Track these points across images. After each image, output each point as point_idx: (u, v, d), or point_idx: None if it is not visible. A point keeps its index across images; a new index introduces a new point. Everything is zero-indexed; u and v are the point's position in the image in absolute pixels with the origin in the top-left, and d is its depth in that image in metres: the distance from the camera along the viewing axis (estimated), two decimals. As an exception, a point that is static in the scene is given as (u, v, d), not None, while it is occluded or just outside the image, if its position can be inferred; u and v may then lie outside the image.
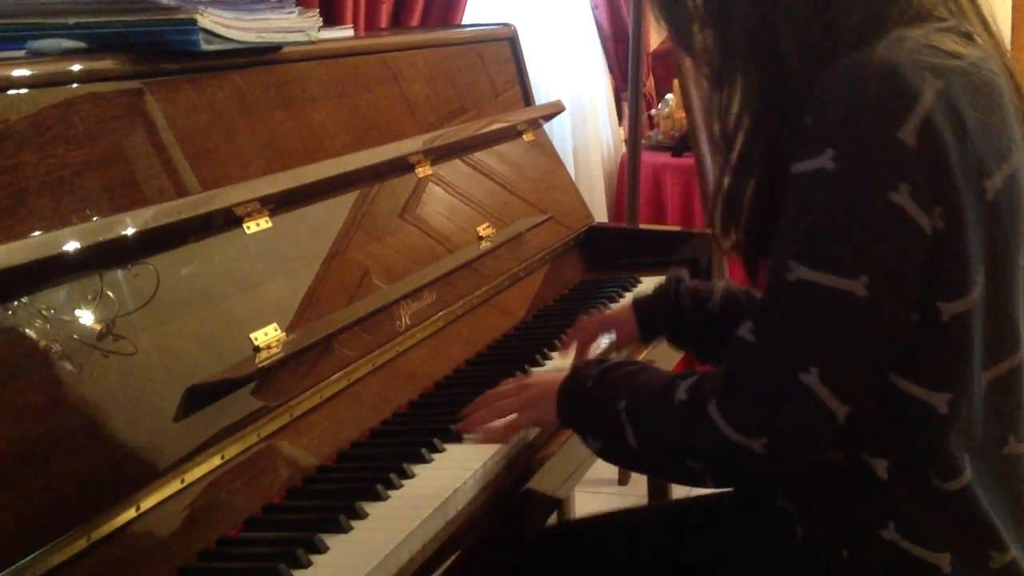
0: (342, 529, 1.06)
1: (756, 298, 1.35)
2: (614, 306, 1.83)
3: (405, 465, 1.20)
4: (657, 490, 2.46)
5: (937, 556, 1.02)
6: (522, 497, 1.26)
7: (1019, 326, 1.03)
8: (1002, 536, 1.03)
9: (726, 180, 1.11)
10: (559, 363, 1.56)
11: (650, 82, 4.04)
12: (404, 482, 1.18)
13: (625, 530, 1.40)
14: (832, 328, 0.96)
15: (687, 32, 1.11)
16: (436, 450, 1.26)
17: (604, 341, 1.55)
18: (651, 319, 1.48)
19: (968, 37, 1.03)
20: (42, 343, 1.00)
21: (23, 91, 1.09)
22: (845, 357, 0.97)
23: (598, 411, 1.12)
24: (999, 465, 1.04)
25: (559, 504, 1.50)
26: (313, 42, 1.47)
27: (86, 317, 1.06)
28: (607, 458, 1.17)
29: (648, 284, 1.96)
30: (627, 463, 1.19)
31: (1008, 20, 4.65)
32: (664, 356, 1.68)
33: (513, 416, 1.26)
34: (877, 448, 1.03)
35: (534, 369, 1.53)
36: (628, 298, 1.89)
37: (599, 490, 2.98)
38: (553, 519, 1.69)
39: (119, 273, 1.11)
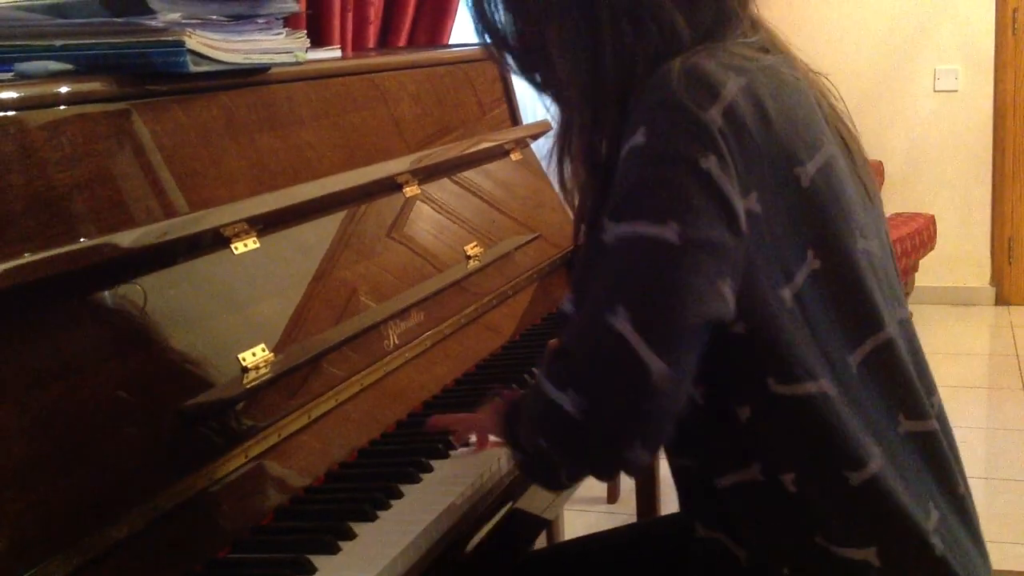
0: (331, 550, 1.06)
1: None
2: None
3: (393, 485, 1.20)
4: (646, 507, 2.46)
5: (864, 552, 1.03)
6: (512, 515, 1.26)
7: (876, 306, 1.05)
8: (916, 520, 1.04)
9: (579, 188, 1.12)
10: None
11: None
12: (393, 502, 1.18)
13: (613, 551, 1.39)
14: (641, 271, 0.95)
15: (529, 72, 1.13)
16: (424, 469, 1.26)
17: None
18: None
19: (767, 50, 1.07)
20: (29, 363, 1.00)
21: (10, 113, 1.09)
22: (655, 302, 0.94)
23: (512, 416, 1.11)
24: (901, 446, 1.06)
25: (548, 523, 1.50)
26: (301, 63, 1.48)
27: (73, 336, 1.05)
28: (521, 470, 1.17)
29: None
30: (524, 469, 1.15)
31: (991, 38, 4.69)
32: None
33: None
34: (782, 463, 1.03)
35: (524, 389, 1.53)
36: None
37: (588, 508, 2.98)
38: (543, 540, 1.69)
39: (106, 294, 1.11)
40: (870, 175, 1.14)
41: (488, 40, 1.14)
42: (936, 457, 1.09)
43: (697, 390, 1.01)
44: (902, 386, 1.07)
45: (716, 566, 1.12)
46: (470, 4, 1.14)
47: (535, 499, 1.33)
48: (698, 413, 1.02)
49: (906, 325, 1.11)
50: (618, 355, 0.93)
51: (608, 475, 1.06)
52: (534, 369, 1.59)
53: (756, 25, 1.10)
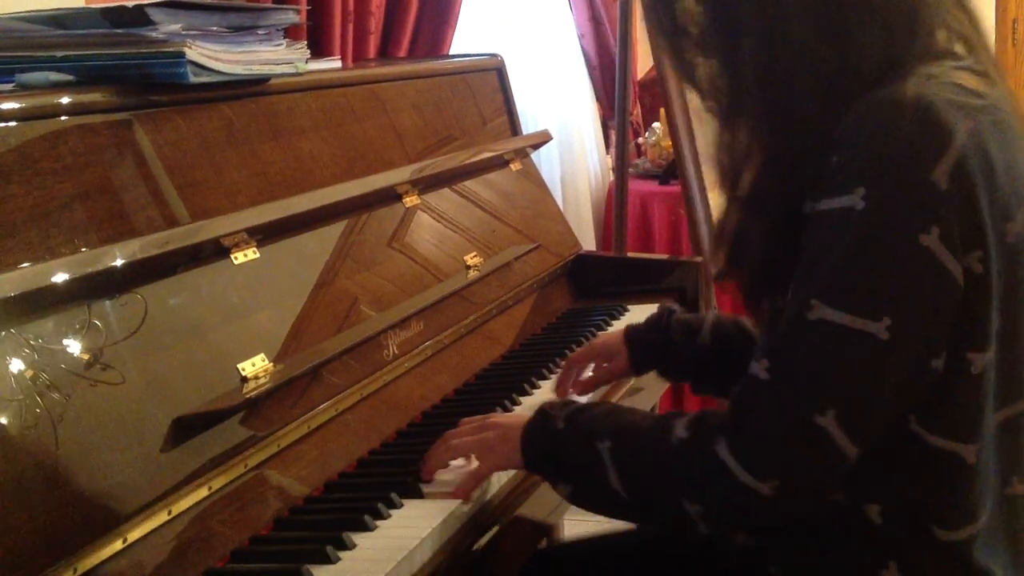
0: (329, 560, 1.06)
1: (744, 327, 1.35)
2: (604, 334, 1.84)
3: (393, 495, 1.20)
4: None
5: None
6: (513, 522, 1.26)
7: None
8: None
9: (732, 216, 1.09)
10: (547, 393, 1.56)
11: (637, 110, 4.06)
12: (392, 512, 1.18)
13: (616, 553, 1.39)
14: (852, 370, 0.94)
15: (689, 63, 1.09)
16: (424, 480, 1.25)
17: (589, 372, 1.55)
18: (642, 352, 1.47)
19: (984, 76, 1.02)
20: (29, 374, 1.00)
21: (11, 124, 1.10)
22: (863, 400, 0.95)
23: (573, 453, 1.09)
24: (1001, 507, 1.03)
25: (550, 529, 1.50)
26: (301, 74, 1.48)
27: (74, 347, 1.06)
28: (580, 502, 1.13)
29: (636, 312, 1.97)
30: (604, 508, 1.12)
31: (991, 48, 4.70)
32: (651, 385, 1.69)
33: (473, 465, 1.21)
34: (872, 493, 1.02)
35: (523, 399, 1.54)
36: (619, 326, 1.89)
37: (588, 517, 2.97)
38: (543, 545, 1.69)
39: (107, 304, 1.11)
40: None
41: (669, 31, 1.09)
42: (1022, 521, 1.06)
43: None
44: None
45: None
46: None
47: (538, 505, 1.33)
48: None
49: None
50: (824, 452, 0.95)
51: None
52: (534, 379, 1.59)
53: (965, 41, 1.04)
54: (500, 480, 1.28)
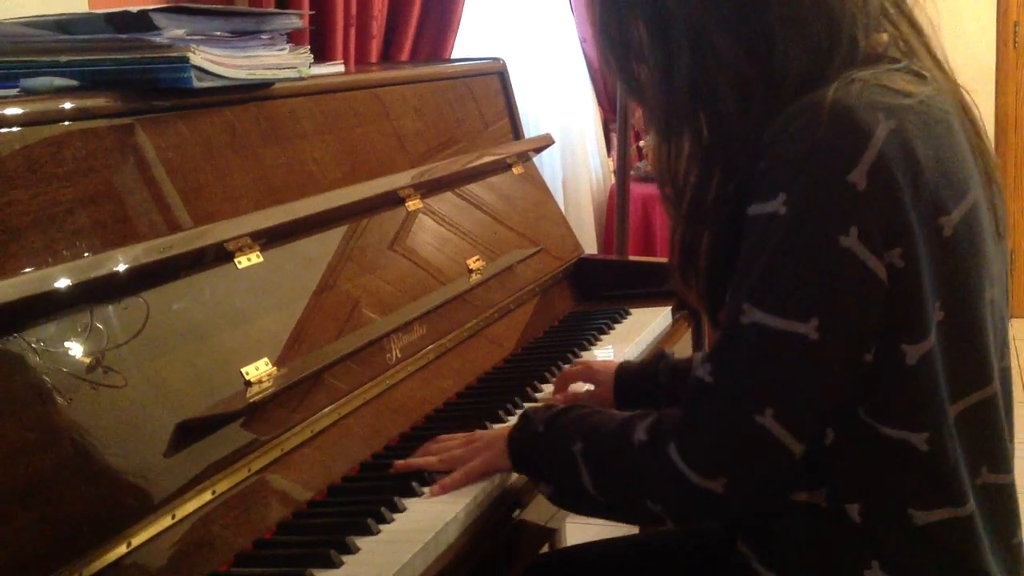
0: (333, 564, 1.06)
1: None
2: (603, 360, 1.84)
3: (396, 499, 1.20)
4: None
5: None
6: (513, 529, 1.27)
7: (989, 359, 1.04)
8: (990, 568, 1.04)
9: (678, 229, 1.13)
10: (548, 396, 1.57)
11: (638, 114, 4.06)
12: (395, 516, 1.18)
13: (617, 559, 1.40)
14: (785, 370, 0.98)
15: (638, 83, 1.12)
16: (427, 483, 1.26)
17: (584, 388, 1.55)
18: (627, 392, 1.49)
19: (919, 76, 1.04)
20: (32, 377, 1.01)
21: (15, 129, 1.10)
22: (799, 398, 0.98)
23: (551, 455, 1.14)
24: (976, 497, 1.05)
25: (550, 535, 1.50)
26: (304, 78, 1.49)
27: (76, 350, 1.06)
28: (560, 502, 1.18)
29: (637, 315, 1.98)
30: (582, 507, 1.16)
31: (993, 53, 4.70)
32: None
33: (466, 466, 1.25)
34: (850, 492, 1.03)
35: (525, 403, 1.54)
36: (621, 329, 1.90)
37: (589, 522, 2.97)
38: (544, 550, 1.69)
39: (110, 308, 1.11)
40: (1004, 208, 1.11)
41: (606, 45, 1.12)
42: (1004, 509, 1.08)
43: None
44: (993, 439, 1.06)
45: None
46: (601, 15, 1.12)
47: (540, 509, 1.33)
48: None
49: (1007, 373, 1.09)
50: (767, 449, 0.99)
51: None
52: (536, 382, 1.59)
53: (903, 37, 1.06)
54: (491, 491, 1.27)
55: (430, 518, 1.17)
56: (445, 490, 1.23)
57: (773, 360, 0.98)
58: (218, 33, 1.32)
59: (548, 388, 1.60)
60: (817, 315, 0.95)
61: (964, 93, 1.10)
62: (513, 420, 1.46)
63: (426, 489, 1.24)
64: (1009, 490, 1.09)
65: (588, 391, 1.53)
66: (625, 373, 1.50)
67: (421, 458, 1.29)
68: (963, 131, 1.06)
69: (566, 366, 1.61)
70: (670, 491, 1.03)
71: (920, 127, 0.99)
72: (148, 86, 1.26)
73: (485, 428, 1.42)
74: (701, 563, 1.29)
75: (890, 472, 1.02)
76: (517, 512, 1.27)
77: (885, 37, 1.06)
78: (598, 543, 1.45)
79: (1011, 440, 1.10)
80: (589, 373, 1.54)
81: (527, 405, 1.53)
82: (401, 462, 1.29)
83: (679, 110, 1.07)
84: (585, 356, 1.75)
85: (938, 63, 1.09)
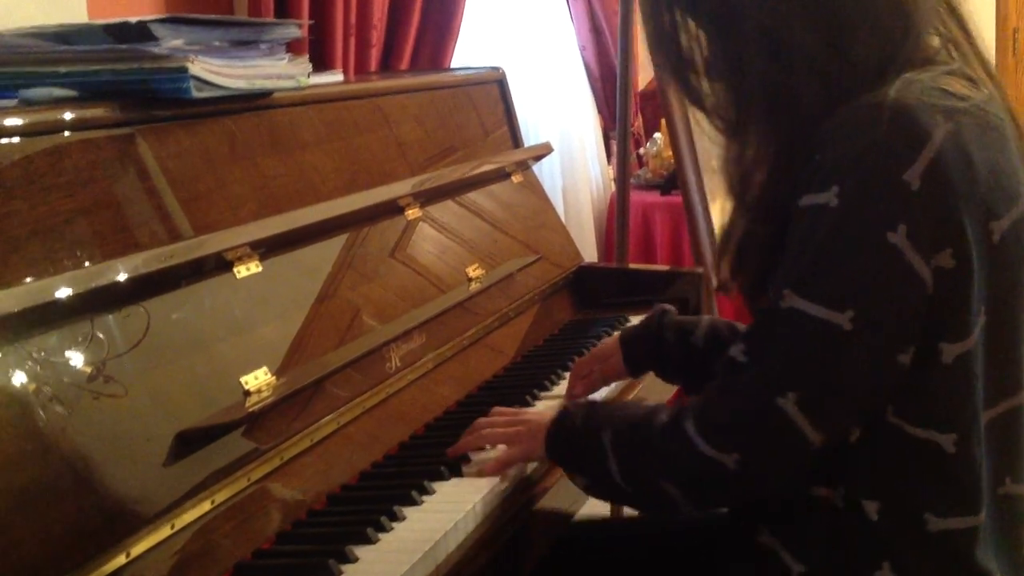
0: (332, 574, 1.06)
1: (739, 332, 1.37)
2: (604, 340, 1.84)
3: (395, 508, 1.20)
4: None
5: None
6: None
7: (1021, 367, 1.04)
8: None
9: (739, 224, 1.13)
10: (549, 404, 1.57)
11: (638, 121, 4.07)
12: (394, 525, 1.18)
13: (626, 541, 1.40)
14: (814, 357, 0.99)
15: (696, 89, 1.13)
16: (426, 492, 1.26)
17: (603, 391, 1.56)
18: (636, 354, 1.49)
19: (972, 81, 1.04)
20: (33, 387, 1.01)
21: (15, 140, 1.10)
22: (824, 387, 0.99)
23: (584, 447, 1.16)
24: (995, 506, 1.05)
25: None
26: (303, 88, 1.49)
27: (77, 360, 1.06)
28: (594, 493, 1.20)
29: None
30: (613, 496, 1.21)
31: (992, 59, 4.71)
32: (655, 389, 1.69)
33: (503, 449, 1.29)
34: (869, 490, 1.04)
35: (526, 410, 1.54)
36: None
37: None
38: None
39: (110, 318, 1.11)
40: None
41: (667, 57, 1.13)
42: (1017, 519, 1.08)
43: None
44: (1018, 449, 1.06)
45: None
46: (654, 17, 1.12)
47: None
48: None
49: None
50: (784, 434, 1.00)
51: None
52: (536, 391, 1.59)
53: (956, 46, 1.07)
54: (490, 501, 1.28)
55: (430, 527, 1.17)
56: (484, 474, 1.28)
57: (804, 346, 0.99)
58: (217, 43, 1.32)
59: (548, 396, 1.60)
60: (854, 307, 0.96)
61: (1011, 102, 1.10)
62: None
63: (426, 499, 1.24)
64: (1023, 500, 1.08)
65: (601, 370, 1.53)
66: (629, 337, 1.50)
67: (469, 438, 1.33)
68: (1015, 139, 1.06)
69: (576, 363, 1.60)
70: (683, 465, 1.05)
71: (976, 132, 1.00)
72: (147, 96, 1.26)
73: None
74: (724, 546, 1.29)
75: (913, 473, 1.02)
76: (517, 523, 1.27)
77: (936, 41, 1.07)
78: (615, 520, 1.45)
79: None
80: (594, 357, 1.54)
81: (527, 411, 1.53)
82: (452, 448, 1.33)
83: (750, 107, 1.08)
84: (585, 364, 1.75)
85: (987, 69, 1.09)
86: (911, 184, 0.95)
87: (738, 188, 1.12)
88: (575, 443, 1.18)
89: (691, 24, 1.10)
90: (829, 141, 0.99)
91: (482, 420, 1.35)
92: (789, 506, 1.09)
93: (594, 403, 1.23)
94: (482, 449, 1.34)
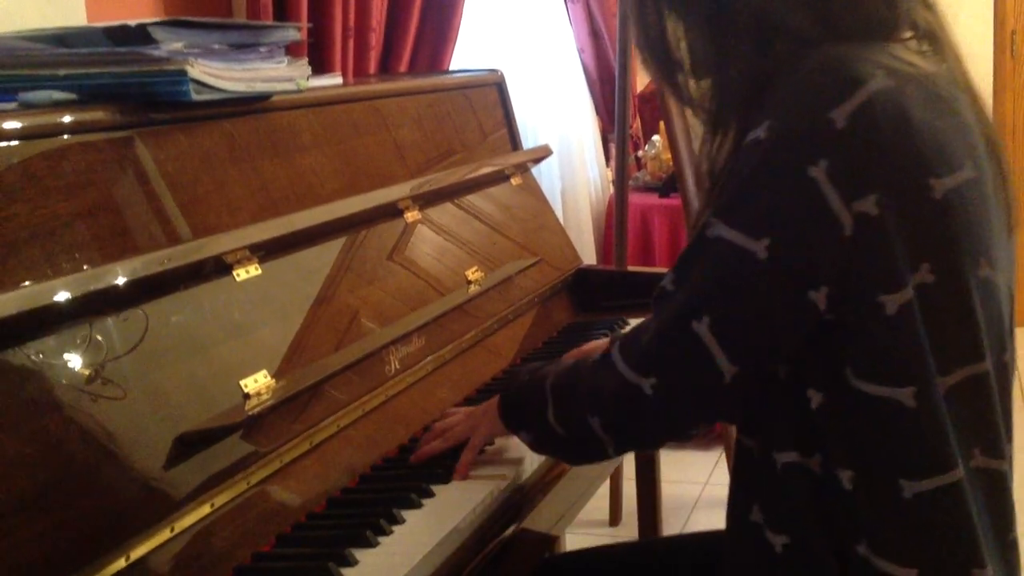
0: (332, 576, 1.06)
1: None
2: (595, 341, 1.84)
3: (395, 511, 1.20)
4: (648, 530, 2.46)
5: (904, 571, 1.02)
6: (513, 540, 1.27)
7: (980, 336, 1.04)
8: (965, 551, 1.03)
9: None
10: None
11: (636, 124, 4.07)
12: (395, 528, 1.18)
13: (616, 566, 1.40)
14: (729, 283, 1.01)
15: (683, 85, 1.14)
16: (426, 495, 1.26)
17: None
18: None
19: (935, 59, 1.07)
20: (32, 390, 1.01)
21: (14, 143, 1.10)
22: (736, 313, 1.01)
23: (528, 399, 1.19)
24: (968, 479, 1.04)
25: (550, 545, 1.50)
26: (302, 90, 1.49)
27: (76, 363, 1.06)
28: (539, 448, 1.24)
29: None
30: (553, 448, 1.21)
31: (990, 61, 4.71)
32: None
33: (470, 444, 1.33)
34: (843, 457, 1.03)
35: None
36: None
37: (590, 531, 2.97)
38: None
39: (109, 321, 1.11)
40: (1015, 203, 1.13)
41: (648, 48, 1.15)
42: (999, 498, 1.08)
43: (781, 366, 1.04)
44: (986, 422, 1.06)
45: (751, 557, 1.11)
46: (641, 10, 1.14)
47: (540, 518, 1.33)
48: (774, 389, 1.05)
49: (1007, 368, 1.09)
50: (697, 358, 1.02)
51: (658, 447, 1.15)
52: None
53: (927, 34, 1.08)
54: (489, 504, 1.28)
55: (430, 529, 1.17)
56: (463, 474, 1.30)
57: (721, 271, 1.01)
58: (216, 46, 1.32)
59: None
60: (770, 236, 0.98)
61: (977, 87, 1.12)
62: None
63: (425, 501, 1.25)
64: (1004, 479, 1.08)
65: None
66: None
67: (428, 445, 1.36)
68: (974, 117, 1.07)
69: (566, 355, 1.60)
70: (606, 393, 1.08)
71: (921, 95, 1.01)
72: (147, 99, 1.26)
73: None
74: (706, 563, 1.29)
75: (880, 435, 1.02)
76: (515, 526, 1.27)
77: (908, 33, 1.08)
78: (598, 548, 1.45)
79: (1008, 435, 1.09)
80: (583, 353, 1.53)
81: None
82: (414, 455, 1.35)
83: (732, 100, 1.09)
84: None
85: (959, 58, 1.11)
86: (836, 122, 0.96)
87: (708, 179, 1.13)
88: (521, 398, 1.21)
89: (677, 22, 1.11)
90: (772, 89, 1.02)
91: (439, 424, 1.39)
92: (775, 480, 1.08)
93: (541, 363, 1.25)
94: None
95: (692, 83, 1.13)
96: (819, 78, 0.98)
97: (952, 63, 1.09)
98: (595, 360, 1.12)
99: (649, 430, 1.12)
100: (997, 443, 1.07)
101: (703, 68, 1.11)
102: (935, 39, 1.09)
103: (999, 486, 1.08)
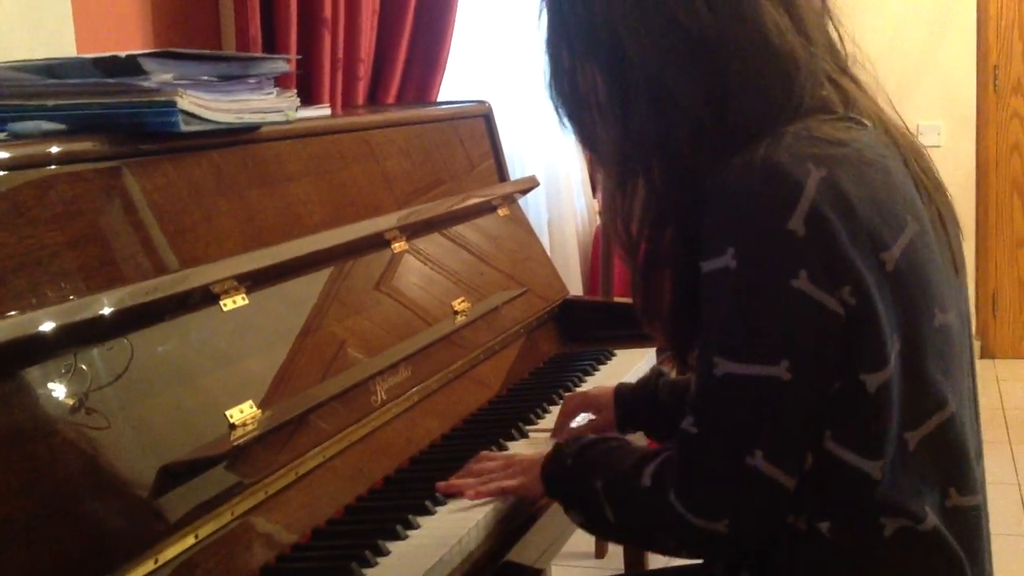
0: (316, 608, 1.06)
1: None
2: (599, 386, 1.85)
3: (381, 542, 1.20)
4: (633, 561, 2.45)
5: None
6: (499, 572, 1.26)
7: (939, 385, 1.07)
8: None
9: (637, 278, 1.17)
10: (535, 437, 1.57)
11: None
12: (380, 559, 1.17)
13: None
14: (766, 413, 1.02)
15: (590, 131, 1.16)
16: (412, 527, 1.25)
17: (582, 419, 1.56)
18: (628, 412, 1.52)
19: (857, 123, 1.08)
20: (15, 420, 1.00)
21: (2, 173, 1.11)
22: (784, 436, 1.03)
23: (578, 489, 1.19)
24: (946, 520, 1.07)
25: (540, 573, 1.50)
26: (291, 122, 1.50)
27: (60, 392, 1.06)
28: (591, 531, 1.24)
29: (622, 357, 1.98)
30: (610, 536, 1.26)
31: (973, 94, 4.76)
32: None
33: (503, 483, 1.33)
34: (821, 512, 1.06)
35: (511, 444, 1.54)
36: (606, 371, 1.90)
37: (576, 563, 2.96)
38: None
39: (95, 351, 1.11)
40: (959, 242, 1.16)
41: (558, 96, 1.17)
42: (973, 533, 1.10)
43: None
44: (958, 461, 1.09)
45: None
46: (553, 63, 1.15)
47: (526, 551, 1.33)
48: None
49: (972, 398, 1.13)
50: (763, 488, 1.04)
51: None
52: (521, 424, 1.59)
53: (842, 92, 1.10)
54: (475, 536, 1.27)
55: (416, 561, 1.17)
56: (480, 496, 1.32)
57: (753, 405, 1.02)
58: (205, 77, 1.33)
59: (533, 430, 1.60)
60: (786, 356, 1.00)
61: (913, 138, 1.15)
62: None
63: (411, 533, 1.24)
64: (979, 514, 1.11)
65: (590, 421, 1.55)
66: (624, 395, 1.53)
67: (461, 480, 1.36)
68: (908, 171, 1.10)
69: (567, 395, 1.64)
70: (677, 533, 1.08)
71: (852, 172, 1.03)
72: (136, 130, 1.26)
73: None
74: None
75: (850, 496, 1.05)
76: (501, 559, 1.27)
77: (825, 91, 1.10)
78: None
79: (979, 461, 1.12)
80: (588, 402, 1.57)
81: (511, 444, 1.53)
82: (443, 484, 1.36)
83: (634, 157, 1.11)
84: (570, 397, 1.75)
85: (880, 110, 1.14)
86: (796, 232, 0.99)
87: (627, 242, 1.16)
88: (569, 483, 1.21)
89: (587, 66, 1.12)
90: (711, 203, 1.03)
91: (478, 466, 1.39)
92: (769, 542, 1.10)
93: (583, 441, 1.24)
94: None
95: (600, 130, 1.14)
96: (761, 188, 1.00)
97: (873, 119, 1.11)
98: (647, 491, 1.10)
99: (727, 552, 1.13)
100: (970, 479, 1.10)
101: (607, 115, 1.12)
102: (850, 100, 1.11)
103: (974, 523, 1.10)
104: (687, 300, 1.10)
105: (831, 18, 1.14)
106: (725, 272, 1.01)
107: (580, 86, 1.14)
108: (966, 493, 1.09)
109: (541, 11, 1.16)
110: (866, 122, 1.10)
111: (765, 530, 1.07)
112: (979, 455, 1.13)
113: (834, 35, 1.14)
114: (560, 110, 1.18)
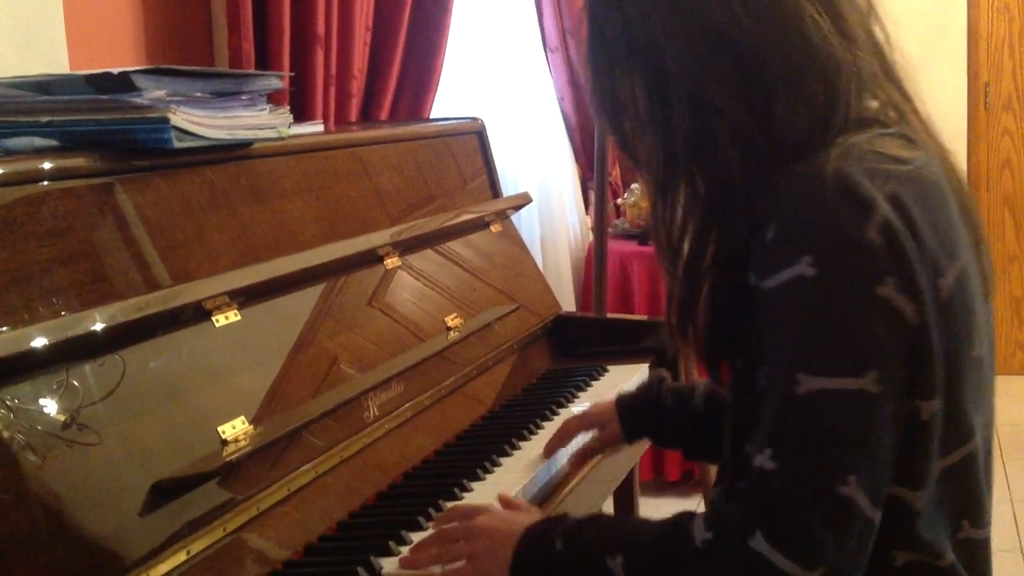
0: (308, 625, 1.05)
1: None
2: (587, 395, 1.85)
3: (373, 558, 1.20)
4: None
5: None
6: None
7: (970, 417, 1.04)
8: None
9: (675, 288, 1.12)
10: (528, 453, 1.57)
11: (616, 171, 4.10)
12: (371, 576, 1.17)
13: None
14: (858, 430, 0.95)
15: (631, 141, 1.13)
16: (404, 543, 1.25)
17: (580, 440, 1.55)
18: (633, 420, 1.48)
19: (910, 141, 1.06)
20: (6, 436, 1.00)
21: (-5, 189, 1.11)
22: (877, 455, 0.96)
23: (579, 573, 1.05)
24: (958, 552, 1.05)
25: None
26: (284, 138, 1.50)
27: (51, 408, 1.06)
28: None
29: (615, 373, 1.98)
30: None
31: (964, 112, 4.78)
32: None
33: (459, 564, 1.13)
34: None
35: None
36: (599, 387, 1.90)
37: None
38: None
39: (86, 367, 1.11)
40: (991, 269, 1.11)
41: (608, 112, 1.13)
42: (982, 566, 1.08)
43: None
44: (974, 494, 1.06)
45: None
46: (596, 73, 1.12)
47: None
48: None
49: (988, 427, 1.08)
50: (854, 520, 0.94)
51: None
52: (514, 440, 1.59)
53: (893, 108, 1.07)
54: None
55: (407, 578, 1.16)
56: (418, 567, 1.16)
57: (843, 423, 0.94)
58: (198, 94, 1.33)
59: (526, 446, 1.59)
60: (875, 366, 0.94)
61: (952, 158, 1.11)
62: (492, 478, 1.46)
63: (403, 549, 1.24)
64: (987, 548, 1.09)
65: (595, 437, 1.51)
66: (627, 404, 1.48)
67: (424, 552, 1.18)
68: (953, 196, 1.07)
69: (566, 419, 1.56)
70: None
71: (914, 192, 1.00)
72: (128, 146, 1.27)
73: (463, 487, 1.41)
74: None
75: (890, 528, 0.99)
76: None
77: (875, 104, 1.08)
78: None
79: (990, 493, 1.10)
80: (589, 420, 1.52)
81: (504, 460, 1.53)
82: (408, 556, 1.19)
83: (676, 166, 1.08)
84: (563, 413, 1.75)
85: (927, 127, 1.10)
86: (875, 240, 0.95)
87: (667, 251, 1.11)
88: (562, 569, 1.05)
89: (629, 76, 1.10)
90: (778, 215, 0.98)
91: (440, 531, 1.19)
92: None
93: (570, 520, 1.08)
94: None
95: (641, 142, 1.11)
96: (834, 198, 0.96)
97: (925, 139, 1.08)
98: (708, 544, 0.97)
99: None
100: (984, 512, 1.08)
101: (649, 125, 1.09)
102: (903, 116, 1.08)
103: (982, 556, 1.08)
104: (724, 312, 1.06)
105: (877, 20, 1.10)
106: (800, 281, 0.95)
107: (621, 95, 1.10)
108: (979, 526, 1.07)
109: (581, 21, 1.15)
110: (916, 140, 1.06)
111: (858, 567, 0.97)
112: (990, 486, 1.10)
113: (880, 36, 1.10)
114: (602, 118, 1.15)
